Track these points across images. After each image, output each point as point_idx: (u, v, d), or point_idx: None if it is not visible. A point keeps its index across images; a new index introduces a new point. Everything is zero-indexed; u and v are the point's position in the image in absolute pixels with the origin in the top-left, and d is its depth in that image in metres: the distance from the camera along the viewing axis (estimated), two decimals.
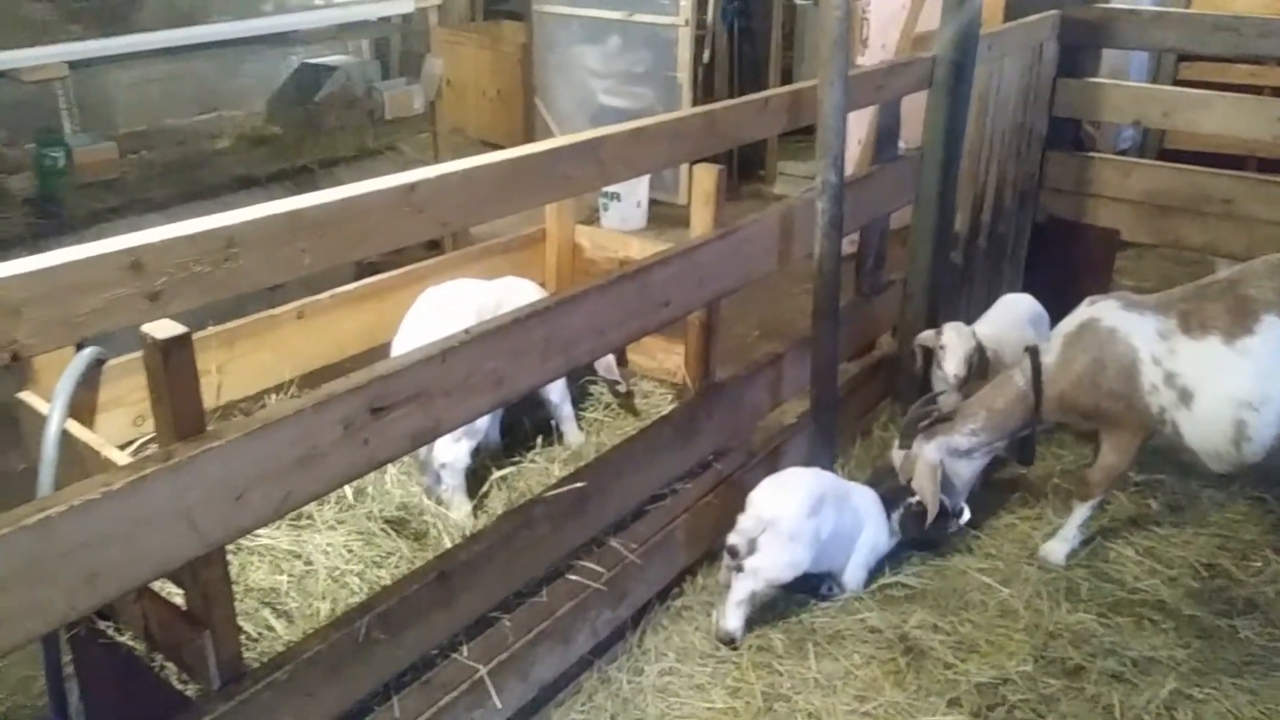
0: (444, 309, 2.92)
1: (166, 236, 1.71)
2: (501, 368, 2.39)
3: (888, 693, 3.02)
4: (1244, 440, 3.14)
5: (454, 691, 2.50)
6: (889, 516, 3.41)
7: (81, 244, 1.65)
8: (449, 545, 2.71)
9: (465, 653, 2.56)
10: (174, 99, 5.52)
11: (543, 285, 3.35)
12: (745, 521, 3.18)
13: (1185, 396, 3.21)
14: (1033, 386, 3.39)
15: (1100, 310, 3.40)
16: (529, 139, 8.41)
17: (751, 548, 3.14)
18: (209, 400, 2.58)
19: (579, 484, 2.73)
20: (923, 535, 3.47)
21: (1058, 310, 5.03)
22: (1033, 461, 3.77)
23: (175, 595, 2.23)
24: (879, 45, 6.31)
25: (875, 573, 3.45)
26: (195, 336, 1.86)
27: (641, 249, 3.51)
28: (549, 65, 8.09)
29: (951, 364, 3.74)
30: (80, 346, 2.30)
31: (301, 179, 5.91)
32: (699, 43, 7.51)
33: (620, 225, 7.29)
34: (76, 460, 2.17)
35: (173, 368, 1.82)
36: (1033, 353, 3.44)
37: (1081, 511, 3.51)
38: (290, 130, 5.94)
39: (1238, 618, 3.28)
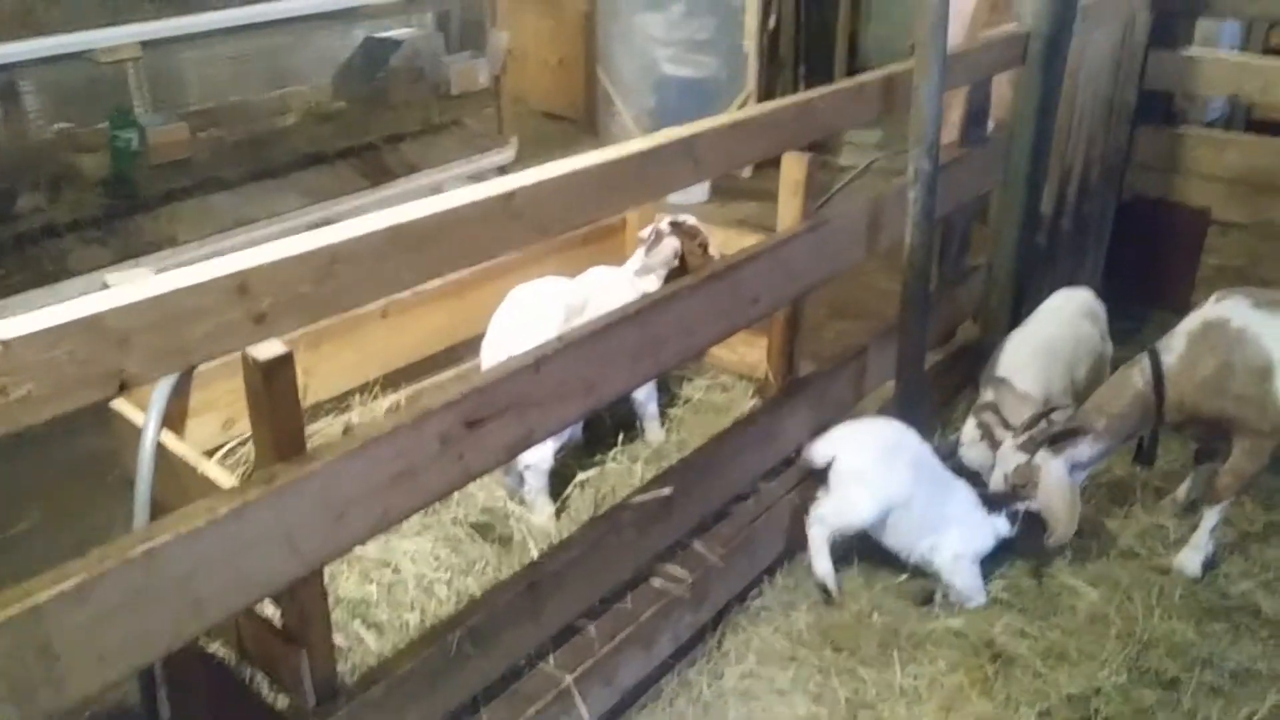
0: (532, 310, 2.87)
1: (273, 258, 1.67)
2: (593, 374, 2.34)
3: (975, 702, 2.94)
4: None
5: (540, 702, 2.47)
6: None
7: (182, 262, 1.61)
8: (534, 551, 2.68)
9: (552, 662, 2.54)
10: (242, 76, 5.49)
11: None
12: (815, 447, 3.18)
13: None
14: (1154, 389, 3.24)
15: (1229, 309, 3.22)
16: (590, 109, 8.32)
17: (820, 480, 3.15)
18: None
19: (666, 490, 2.68)
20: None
21: (1143, 292, 4.90)
22: (1154, 463, 3.57)
23: (268, 608, 2.22)
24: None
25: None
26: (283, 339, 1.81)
27: (726, 238, 3.41)
28: (611, 34, 7.95)
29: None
30: None
31: (368, 155, 5.89)
32: (765, 8, 7.32)
33: (682, 199, 7.17)
34: (171, 472, 2.16)
35: (275, 389, 1.79)
36: (1153, 353, 3.28)
37: (1212, 517, 3.35)
38: (356, 106, 5.90)
39: None
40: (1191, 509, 3.63)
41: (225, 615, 1.78)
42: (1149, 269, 5.01)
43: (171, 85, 5.09)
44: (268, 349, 1.78)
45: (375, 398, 2.89)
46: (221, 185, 5.15)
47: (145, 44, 4.61)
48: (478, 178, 6.35)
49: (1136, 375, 3.31)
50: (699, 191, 7.26)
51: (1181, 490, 3.69)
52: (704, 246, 3.21)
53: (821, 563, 3.18)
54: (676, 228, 3.22)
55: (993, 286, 4.15)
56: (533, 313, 2.83)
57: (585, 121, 8.36)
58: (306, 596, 1.99)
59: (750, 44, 7.22)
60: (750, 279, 2.74)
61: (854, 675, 3.04)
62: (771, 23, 7.48)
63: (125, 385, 1.54)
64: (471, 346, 2.97)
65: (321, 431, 2.83)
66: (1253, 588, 3.33)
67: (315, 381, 2.67)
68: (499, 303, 2.94)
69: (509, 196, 2.04)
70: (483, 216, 2.00)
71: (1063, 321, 3.91)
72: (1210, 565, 3.39)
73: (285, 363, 1.79)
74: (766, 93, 7.49)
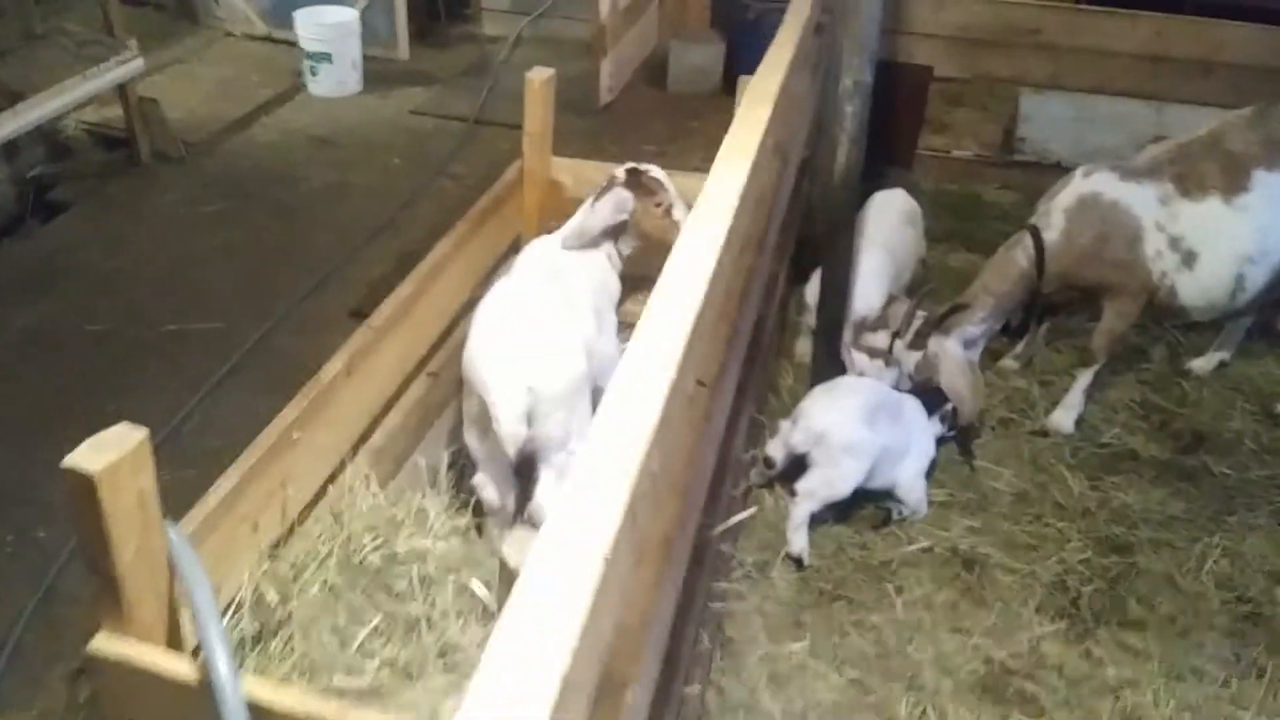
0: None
1: None
2: None
3: (975, 615, 2.94)
4: (1240, 291, 3.31)
5: None
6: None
7: None
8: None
9: None
10: None
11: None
12: (795, 435, 2.99)
13: (1189, 258, 3.29)
14: (1036, 264, 3.33)
15: (1099, 183, 3.34)
16: None
17: (800, 464, 2.98)
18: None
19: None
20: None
21: (875, 151, 5.00)
22: (1025, 334, 3.70)
23: None
24: None
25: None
26: None
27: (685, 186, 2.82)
28: None
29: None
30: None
31: None
32: None
33: (335, 91, 6.17)
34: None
35: None
36: (1034, 231, 3.35)
37: (1086, 377, 3.56)
38: None
39: (1202, 454, 3.53)
40: (1029, 365, 3.88)
41: None
42: (880, 128, 5.14)
43: None
44: None
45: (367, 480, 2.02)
46: None
47: None
48: (100, 98, 4.94)
49: (1020, 253, 3.40)
50: (353, 82, 6.25)
51: (1020, 348, 3.90)
52: (665, 209, 2.61)
53: (800, 538, 3.00)
54: (633, 177, 2.59)
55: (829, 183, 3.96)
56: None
57: (178, 5, 6.79)
58: None
59: None
60: None
61: (865, 625, 2.90)
62: None
63: None
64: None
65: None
66: (1119, 432, 3.62)
67: (295, 487, 1.83)
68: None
69: None
70: None
71: (890, 229, 3.92)
72: (1079, 420, 3.65)
73: None
74: None
